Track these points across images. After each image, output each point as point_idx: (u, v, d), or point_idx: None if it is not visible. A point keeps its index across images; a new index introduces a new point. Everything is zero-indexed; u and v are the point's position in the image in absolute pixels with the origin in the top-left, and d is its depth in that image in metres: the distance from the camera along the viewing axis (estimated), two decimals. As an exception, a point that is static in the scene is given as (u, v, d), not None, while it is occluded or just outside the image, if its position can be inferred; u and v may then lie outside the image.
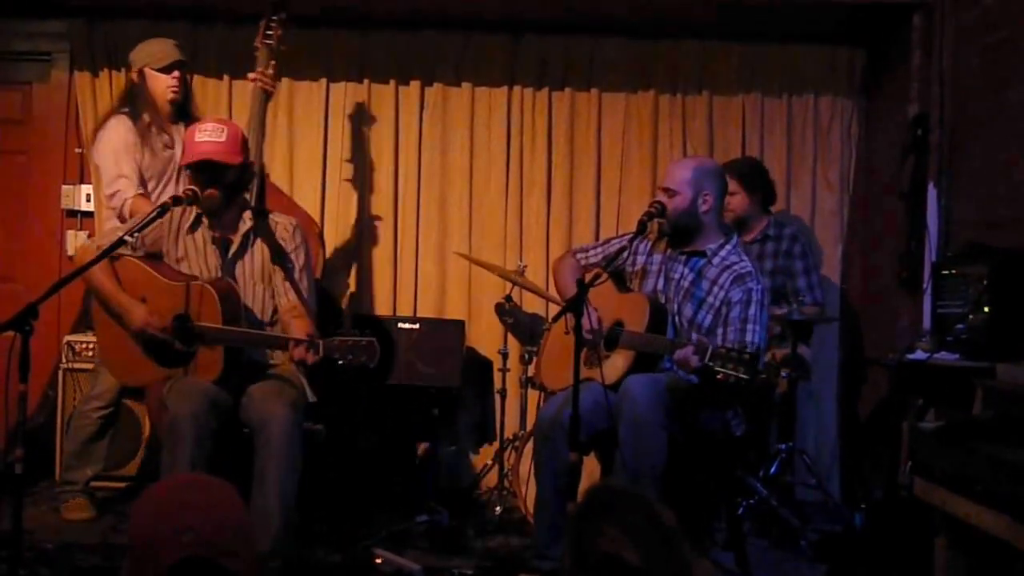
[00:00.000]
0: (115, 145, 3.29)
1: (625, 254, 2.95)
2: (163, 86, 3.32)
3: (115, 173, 3.29)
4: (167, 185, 3.38)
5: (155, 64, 3.30)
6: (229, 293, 2.75)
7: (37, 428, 3.62)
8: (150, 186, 3.35)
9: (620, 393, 2.71)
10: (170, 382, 2.73)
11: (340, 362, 2.58)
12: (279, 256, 2.85)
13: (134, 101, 3.35)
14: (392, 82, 4.11)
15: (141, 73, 3.32)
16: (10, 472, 2.25)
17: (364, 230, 4.10)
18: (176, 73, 3.32)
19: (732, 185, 3.54)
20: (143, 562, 1.39)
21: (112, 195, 3.30)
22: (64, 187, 4.10)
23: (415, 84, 4.12)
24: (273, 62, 3.35)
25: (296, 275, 2.87)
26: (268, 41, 3.35)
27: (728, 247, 2.91)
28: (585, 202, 4.11)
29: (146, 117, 3.31)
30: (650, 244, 3.00)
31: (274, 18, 3.35)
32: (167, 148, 3.37)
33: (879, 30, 3.90)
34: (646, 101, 4.11)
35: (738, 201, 3.61)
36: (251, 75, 3.36)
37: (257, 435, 2.66)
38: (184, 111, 3.40)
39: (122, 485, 3.59)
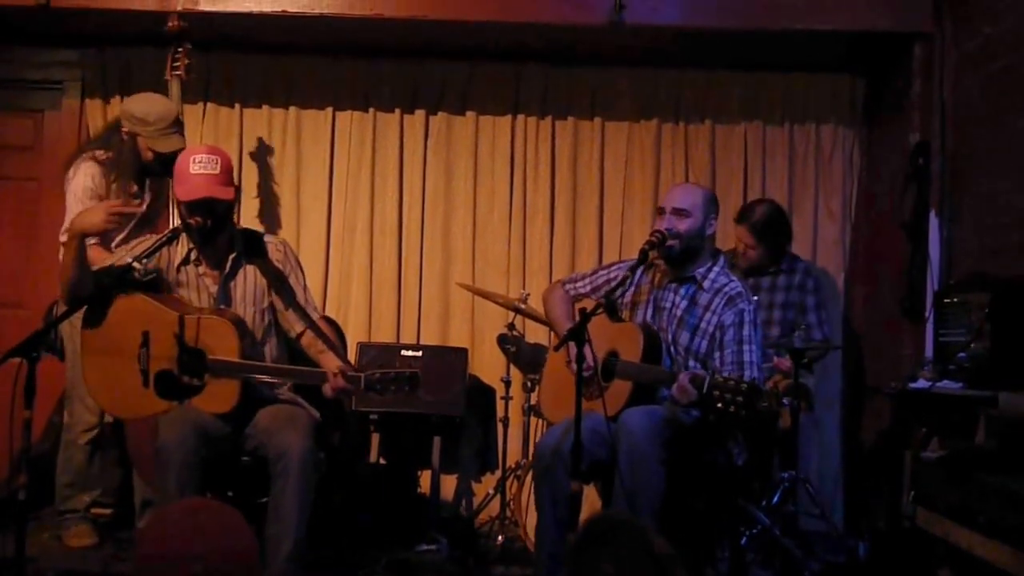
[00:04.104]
0: (80, 194, 3.22)
1: (625, 285, 2.94)
2: (151, 156, 3.23)
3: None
4: (128, 236, 3.30)
5: (158, 148, 3.19)
6: (243, 326, 2.72)
7: (42, 455, 3.62)
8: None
9: (618, 425, 2.70)
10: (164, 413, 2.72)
11: (382, 394, 2.61)
12: (277, 281, 2.82)
13: (111, 145, 3.26)
14: (397, 111, 4.15)
15: (134, 136, 3.22)
16: (13, 498, 2.26)
17: (368, 257, 4.12)
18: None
19: (749, 239, 3.57)
20: None
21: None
22: (74, 214, 4.12)
23: (420, 113, 4.16)
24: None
25: (302, 297, 2.85)
26: (176, 72, 3.38)
27: (716, 268, 2.92)
28: (588, 230, 4.13)
29: (117, 170, 3.22)
30: (639, 274, 2.98)
31: (179, 49, 3.38)
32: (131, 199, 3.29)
33: (880, 59, 3.92)
34: (649, 130, 4.14)
35: (754, 254, 3.61)
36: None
37: (274, 464, 2.64)
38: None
39: (112, 512, 3.57)
